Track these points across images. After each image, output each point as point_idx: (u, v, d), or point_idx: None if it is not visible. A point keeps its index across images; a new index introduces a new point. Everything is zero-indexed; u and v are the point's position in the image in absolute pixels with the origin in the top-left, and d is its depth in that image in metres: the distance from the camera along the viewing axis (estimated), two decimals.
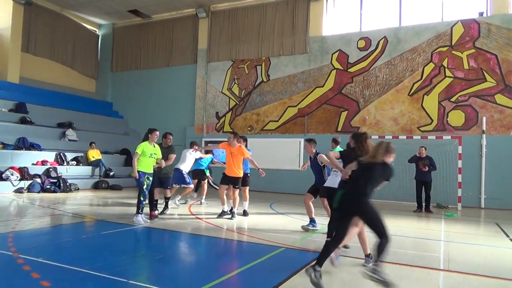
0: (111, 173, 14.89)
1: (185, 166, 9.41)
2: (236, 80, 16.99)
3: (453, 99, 13.14)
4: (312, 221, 7.34)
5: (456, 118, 13.06)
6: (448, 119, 13.16)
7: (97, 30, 20.78)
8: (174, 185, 9.12)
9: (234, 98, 16.97)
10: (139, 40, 19.63)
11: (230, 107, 17.02)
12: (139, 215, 7.13)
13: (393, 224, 8.38)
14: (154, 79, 19.09)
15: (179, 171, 9.20)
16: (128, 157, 16.76)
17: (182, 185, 9.34)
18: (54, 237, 6.38)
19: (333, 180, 6.06)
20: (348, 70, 14.82)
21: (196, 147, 9.80)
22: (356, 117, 14.53)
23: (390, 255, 5.39)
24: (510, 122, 12.37)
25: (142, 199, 7.07)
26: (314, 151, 7.38)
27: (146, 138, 7.26)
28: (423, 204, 10.81)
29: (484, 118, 12.58)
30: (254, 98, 16.53)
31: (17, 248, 5.08)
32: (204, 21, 17.83)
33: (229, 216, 8.22)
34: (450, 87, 13.20)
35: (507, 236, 7.53)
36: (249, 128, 16.40)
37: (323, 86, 15.20)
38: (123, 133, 18.84)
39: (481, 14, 13.16)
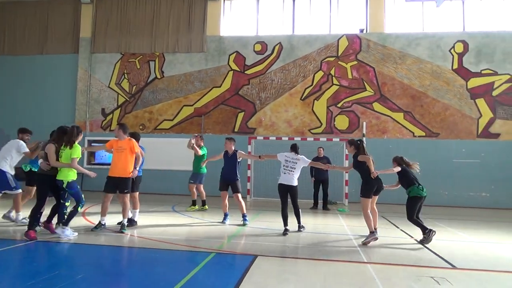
0: None
1: (9, 165, 6.82)
2: (126, 74, 15.70)
3: (339, 105, 14.41)
4: (226, 215, 8.16)
5: (341, 122, 14.36)
6: (335, 123, 14.38)
7: None
8: None
9: (123, 94, 15.65)
10: (3, 21, 16.64)
11: (119, 104, 15.64)
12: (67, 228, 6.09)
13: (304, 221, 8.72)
14: (23, 67, 16.39)
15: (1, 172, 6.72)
16: None
17: (6, 191, 6.88)
18: None
19: (287, 178, 7.11)
20: (245, 72, 15.03)
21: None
22: (253, 119, 14.82)
23: (317, 252, 5.58)
24: (384, 127, 14.13)
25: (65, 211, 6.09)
26: (233, 148, 7.61)
27: (72, 139, 6.08)
28: (319, 201, 11.55)
29: (364, 123, 14.10)
30: (147, 95, 15.51)
31: None
32: (88, 7, 16.06)
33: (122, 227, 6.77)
34: (337, 94, 14.46)
35: (397, 227, 8.51)
36: (141, 127, 15.31)
37: (220, 86, 15.11)
38: None
39: (361, 30, 14.75)
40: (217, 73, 15.20)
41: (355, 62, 14.48)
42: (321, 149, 11.44)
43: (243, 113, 14.89)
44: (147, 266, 4.71)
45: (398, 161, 6.99)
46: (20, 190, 6.90)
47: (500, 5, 14.17)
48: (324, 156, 11.27)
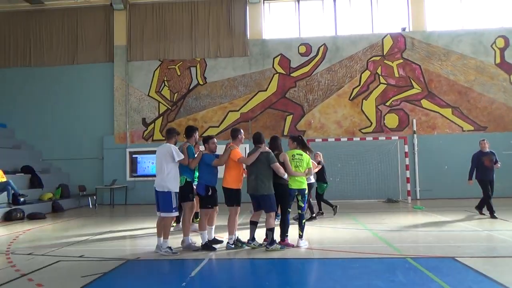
0: (22, 199, 11.43)
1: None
2: (166, 82, 15.25)
3: (387, 104, 14.55)
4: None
5: (391, 120, 14.50)
6: (384, 122, 14.51)
7: None
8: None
9: (164, 102, 15.19)
10: (28, 31, 15.82)
11: (160, 113, 15.17)
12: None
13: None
14: (52, 78, 15.62)
15: None
16: (33, 176, 13.23)
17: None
18: None
19: None
20: (291, 74, 14.92)
21: None
22: (302, 121, 14.73)
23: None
24: (434, 124, 14.37)
25: None
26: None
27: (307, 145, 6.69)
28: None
29: (414, 120, 14.31)
30: (190, 102, 15.12)
31: None
32: (121, 13, 15.49)
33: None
34: (385, 93, 14.60)
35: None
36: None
37: (266, 90, 14.93)
38: (12, 146, 14.78)
39: (403, 29, 14.94)
40: (262, 76, 15.01)
41: (401, 61, 14.67)
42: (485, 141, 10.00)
43: (291, 116, 14.77)
44: (385, 275, 4.57)
45: None
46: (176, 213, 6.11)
47: None
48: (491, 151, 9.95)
